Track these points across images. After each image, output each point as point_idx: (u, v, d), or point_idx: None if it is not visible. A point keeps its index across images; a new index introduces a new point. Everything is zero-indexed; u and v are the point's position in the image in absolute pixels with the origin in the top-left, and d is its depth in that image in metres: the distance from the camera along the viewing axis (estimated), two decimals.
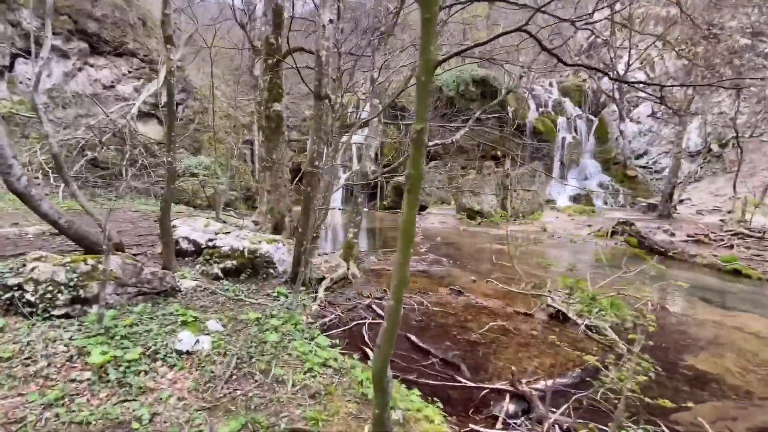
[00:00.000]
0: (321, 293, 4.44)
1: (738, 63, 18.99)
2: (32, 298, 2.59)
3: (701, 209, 14.58)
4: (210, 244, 4.52)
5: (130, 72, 18.25)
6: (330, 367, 2.50)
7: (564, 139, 20.38)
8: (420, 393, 2.44)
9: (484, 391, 2.65)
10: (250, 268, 4.44)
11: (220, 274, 4.26)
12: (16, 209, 7.75)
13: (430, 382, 2.80)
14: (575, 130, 21.12)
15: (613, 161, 20.00)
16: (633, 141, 19.48)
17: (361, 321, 3.93)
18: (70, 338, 2.34)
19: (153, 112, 18.29)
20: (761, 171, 14.70)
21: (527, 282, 5.39)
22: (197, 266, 4.33)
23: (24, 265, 2.81)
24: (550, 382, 2.76)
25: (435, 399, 2.41)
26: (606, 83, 22.28)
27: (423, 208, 18.84)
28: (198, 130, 18.04)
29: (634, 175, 18.89)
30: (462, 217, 14.99)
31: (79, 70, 16.82)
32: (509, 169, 14.69)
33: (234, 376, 2.25)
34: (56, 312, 2.64)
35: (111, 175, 12.52)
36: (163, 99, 18.67)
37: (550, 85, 25.24)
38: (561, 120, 21.19)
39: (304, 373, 2.37)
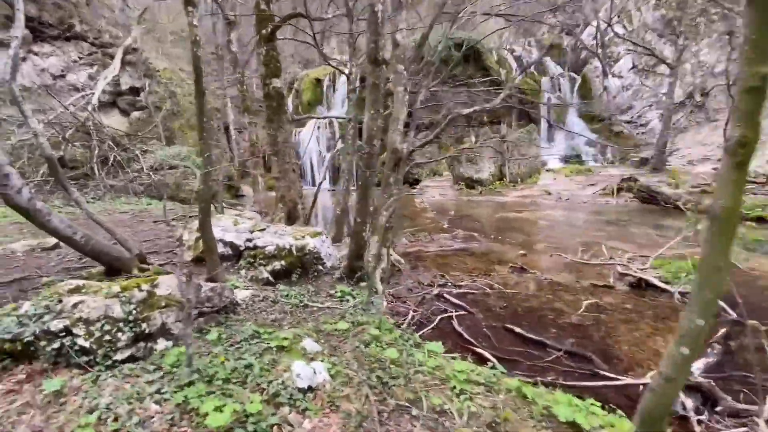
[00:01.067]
0: (379, 286, 3.98)
1: (711, 11, 19.08)
2: (87, 344, 1.99)
3: (691, 160, 14.87)
4: (250, 245, 3.92)
5: (81, 58, 16.42)
6: (478, 383, 2.08)
7: (549, 99, 20.18)
8: (584, 400, 2.07)
9: (642, 386, 2.33)
10: (299, 267, 3.89)
11: (270, 278, 3.70)
12: None
13: (578, 383, 2.44)
14: (559, 89, 20.96)
15: (598, 118, 20.06)
16: (617, 96, 19.52)
17: (444, 315, 3.51)
18: (158, 391, 1.80)
19: (114, 101, 16.71)
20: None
21: (583, 250, 5.13)
22: (242, 271, 3.75)
23: (60, 301, 2.18)
24: (698, 366, 2.49)
25: (610, 405, 2.05)
26: (587, 38, 22.03)
27: (416, 181, 18.40)
28: (166, 117, 16.64)
29: (620, 131, 19.05)
30: (461, 188, 14.69)
31: (23, 60, 14.94)
32: (506, 134, 14.37)
33: (383, 413, 1.80)
34: (119, 356, 2.06)
35: (82, 175, 11.29)
36: (123, 86, 17.02)
37: (529, 44, 24.82)
38: (544, 80, 20.93)
39: (457, 396, 1.94)
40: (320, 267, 4.08)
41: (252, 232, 4.17)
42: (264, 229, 4.25)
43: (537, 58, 23.30)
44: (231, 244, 3.91)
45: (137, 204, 10.53)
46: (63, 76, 15.90)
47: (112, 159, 12.12)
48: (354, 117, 6.71)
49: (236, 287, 3.32)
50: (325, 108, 24.63)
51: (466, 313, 3.55)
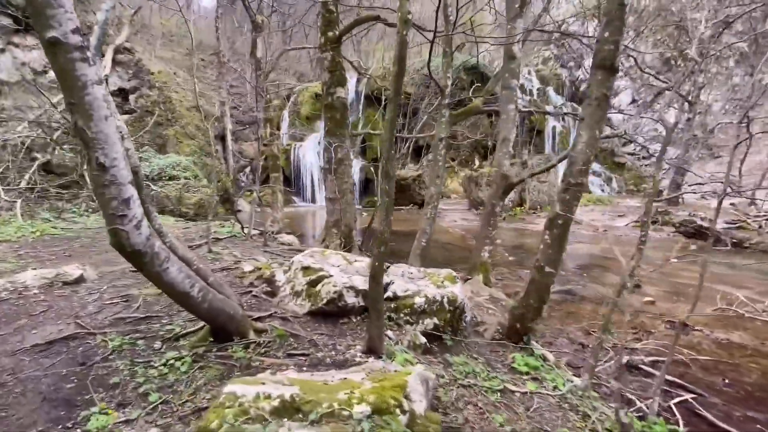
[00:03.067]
0: (550, 356, 3.12)
1: (706, 51, 20.02)
2: None
3: (702, 194, 15.10)
4: (389, 293, 2.97)
5: None
6: None
7: (555, 128, 20.35)
8: None
9: None
10: (450, 326, 2.98)
11: (426, 342, 2.76)
12: None
13: None
14: (563, 119, 21.22)
15: (600, 149, 20.37)
16: (619, 128, 19.94)
17: (680, 398, 2.69)
18: None
19: None
20: (750, 155, 15.57)
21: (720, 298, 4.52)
22: (389, 333, 2.79)
23: None
24: None
25: None
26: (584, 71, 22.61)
27: (425, 203, 17.77)
28: (160, 123, 15.27)
29: (623, 162, 19.35)
30: (480, 212, 14.12)
31: (2, 51, 13.35)
32: (527, 159, 14.05)
33: None
34: None
35: (70, 183, 9.78)
36: (111, 86, 15.57)
37: (529, 73, 25.27)
38: (549, 108, 21.14)
39: None
40: (463, 323, 3.18)
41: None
42: (384, 270, 3.31)
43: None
44: (365, 294, 2.94)
45: None
46: (45, 72, 14.30)
47: None
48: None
49: (408, 362, 2.37)
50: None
51: (691, 393, 2.77)
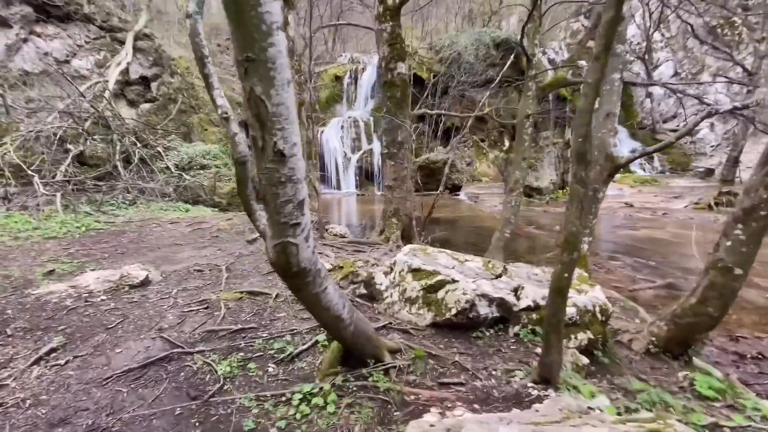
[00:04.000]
0: (716, 372, 2.60)
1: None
2: None
3: None
4: (528, 302, 2.48)
5: (87, 42, 14.57)
6: None
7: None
8: None
9: None
10: (602, 340, 2.49)
11: (588, 363, 2.28)
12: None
13: None
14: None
15: (639, 126, 19.27)
16: (661, 104, 18.78)
17: None
18: None
19: (121, 91, 14.91)
20: None
21: None
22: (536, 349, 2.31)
23: None
24: None
25: None
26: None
27: (456, 187, 17.10)
28: (184, 111, 14.89)
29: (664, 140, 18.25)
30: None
31: (24, 41, 13.06)
32: (570, 138, 13.25)
33: None
34: None
35: (104, 174, 9.50)
36: (132, 75, 15.20)
37: (560, 48, 23.98)
38: None
39: None
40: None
41: (497, 276, 2.74)
42: (503, 272, 2.83)
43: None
44: (500, 303, 2.45)
45: (175, 209, 8.83)
46: (67, 62, 14.02)
47: (136, 156, 10.35)
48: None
49: (591, 394, 1.89)
50: (344, 106, 23.17)
51: None
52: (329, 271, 3.68)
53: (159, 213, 8.07)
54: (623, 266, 5.32)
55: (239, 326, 2.69)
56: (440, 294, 2.52)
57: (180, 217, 7.54)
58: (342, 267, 3.66)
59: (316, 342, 2.33)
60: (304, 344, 2.32)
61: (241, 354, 2.28)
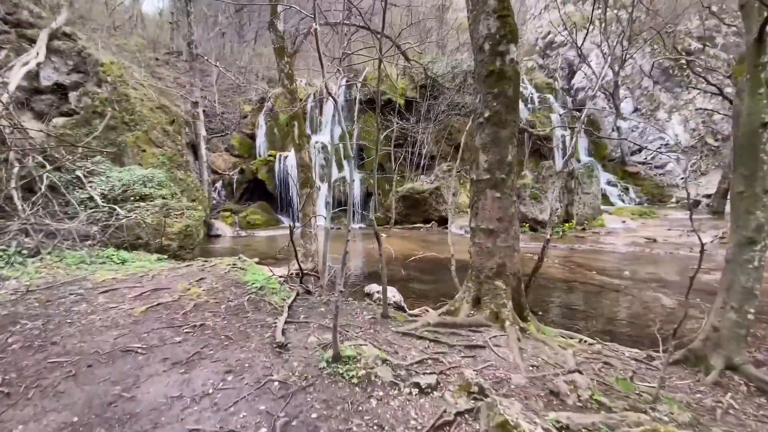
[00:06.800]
0: None
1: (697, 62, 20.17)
2: None
3: None
4: None
5: None
6: None
7: (563, 136, 19.25)
8: None
9: None
10: None
11: None
12: None
13: None
14: (568, 128, 20.28)
15: (608, 158, 19.58)
16: (627, 138, 19.31)
17: None
18: None
19: (27, 100, 11.57)
20: None
21: None
22: None
23: None
24: None
25: None
26: (578, 81, 22.06)
27: (443, 220, 15.53)
28: (114, 127, 11.76)
29: (635, 172, 18.60)
30: (524, 230, 12.16)
31: None
32: (571, 167, 12.40)
33: None
34: None
35: None
36: (44, 81, 11.97)
37: (522, 81, 24.41)
38: (554, 117, 20.11)
39: None
40: None
41: None
42: None
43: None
44: None
45: (104, 261, 5.90)
46: None
47: (44, 183, 7.25)
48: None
49: None
50: (308, 130, 20.93)
51: None
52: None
53: (79, 270, 5.17)
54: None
55: None
56: None
57: (117, 277, 4.75)
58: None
59: None
60: None
61: None
